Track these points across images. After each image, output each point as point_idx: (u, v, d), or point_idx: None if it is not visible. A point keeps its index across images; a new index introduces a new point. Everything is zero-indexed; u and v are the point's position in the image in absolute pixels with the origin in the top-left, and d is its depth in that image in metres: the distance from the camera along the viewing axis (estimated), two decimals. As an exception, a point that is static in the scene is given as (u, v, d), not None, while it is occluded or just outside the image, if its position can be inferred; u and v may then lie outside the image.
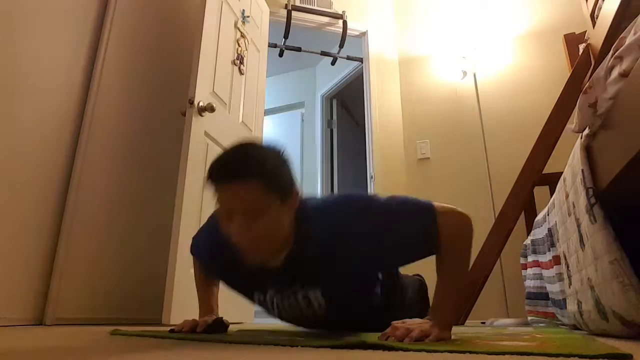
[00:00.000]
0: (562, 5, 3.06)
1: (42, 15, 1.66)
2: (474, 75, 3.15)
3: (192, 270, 1.79)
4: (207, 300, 1.22)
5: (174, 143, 2.01)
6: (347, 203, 0.98)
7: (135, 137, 2.04)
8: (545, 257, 1.87)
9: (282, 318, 1.14)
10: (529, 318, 2.11)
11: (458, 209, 0.94)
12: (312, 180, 4.30)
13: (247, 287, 1.12)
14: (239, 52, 2.41)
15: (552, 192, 2.17)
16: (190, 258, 1.82)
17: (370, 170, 3.18)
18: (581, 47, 2.20)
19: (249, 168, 0.84)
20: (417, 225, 0.92)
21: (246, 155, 0.88)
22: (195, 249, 1.27)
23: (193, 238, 1.28)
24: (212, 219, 1.14)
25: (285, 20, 3.26)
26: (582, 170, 1.13)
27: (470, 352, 0.64)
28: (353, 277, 1.00)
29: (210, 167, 0.88)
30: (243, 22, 2.48)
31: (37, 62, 1.63)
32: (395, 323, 0.86)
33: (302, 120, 4.66)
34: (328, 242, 0.93)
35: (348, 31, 3.41)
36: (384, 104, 3.33)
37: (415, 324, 0.86)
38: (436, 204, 0.94)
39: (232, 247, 0.89)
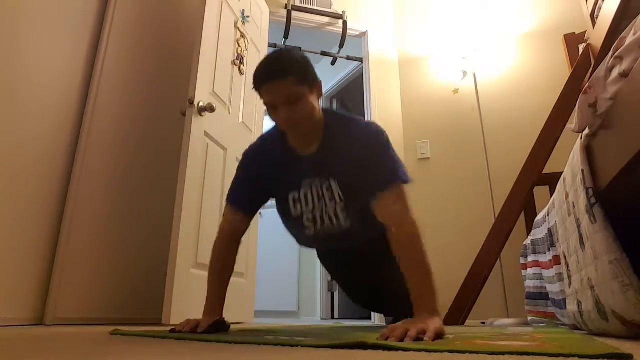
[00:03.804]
0: (562, 5, 3.06)
1: (42, 15, 1.66)
2: (474, 75, 3.15)
3: (193, 270, 1.81)
4: (215, 298, 1.23)
5: (174, 143, 2.01)
6: (369, 124, 1.26)
7: (135, 137, 2.04)
8: (545, 257, 1.87)
9: (310, 223, 1.31)
10: (529, 318, 2.11)
11: (412, 216, 1.10)
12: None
13: (287, 187, 1.31)
14: (239, 52, 2.41)
15: (552, 192, 2.17)
16: (190, 258, 1.83)
17: (370, 170, 3.17)
18: (581, 47, 2.20)
19: (283, 68, 1.11)
20: (386, 172, 1.15)
21: (279, 59, 1.15)
22: (241, 172, 1.36)
23: (231, 188, 1.36)
24: (244, 159, 1.37)
25: (285, 20, 3.26)
26: (582, 170, 1.13)
27: (470, 352, 0.64)
28: (359, 178, 1.19)
29: (254, 75, 1.15)
30: (243, 22, 2.48)
31: (37, 62, 1.63)
32: (393, 325, 0.88)
33: (302, 120, 4.65)
34: (349, 139, 1.20)
35: (348, 31, 3.41)
36: (384, 104, 3.33)
37: (412, 323, 0.88)
38: (404, 193, 1.13)
39: (276, 149, 1.27)
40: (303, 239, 1.44)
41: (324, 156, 1.23)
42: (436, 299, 1.01)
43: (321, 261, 1.71)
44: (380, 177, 1.15)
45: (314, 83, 1.18)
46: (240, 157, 1.37)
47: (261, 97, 1.16)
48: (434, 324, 0.88)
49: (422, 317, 0.92)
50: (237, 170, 1.37)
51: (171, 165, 1.99)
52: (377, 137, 1.20)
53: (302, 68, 1.14)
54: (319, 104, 1.22)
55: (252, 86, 1.16)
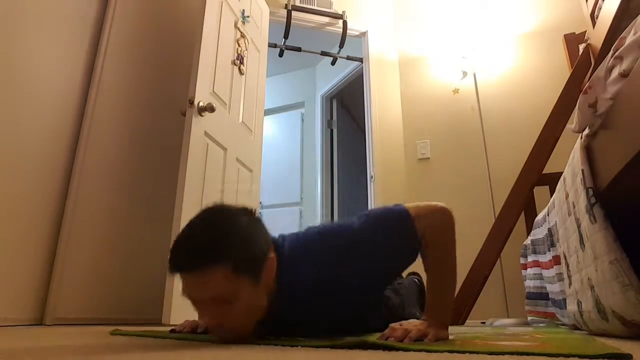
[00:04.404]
0: (562, 5, 3.06)
1: (42, 16, 1.66)
2: (474, 75, 3.15)
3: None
4: None
5: (174, 143, 2.01)
6: (319, 247, 0.90)
7: (135, 137, 2.04)
8: (545, 257, 1.87)
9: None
10: (529, 318, 2.11)
11: (435, 204, 0.93)
12: (312, 180, 4.30)
13: None
14: (239, 52, 2.41)
15: (552, 192, 2.17)
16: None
17: (370, 171, 3.18)
18: (581, 47, 2.20)
19: (212, 253, 0.75)
20: (395, 240, 0.90)
21: (208, 236, 0.77)
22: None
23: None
24: None
25: (285, 20, 3.26)
26: (582, 170, 1.13)
27: (470, 352, 0.64)
28: (345, 310, 0.94)
29: (170, 252, 0.79)
30: (243, 22, 2.48)
31: (37, 62, 1.63)
32: (393, 325, 0.86)
33: (302, 120, 4.66)
34: (311, 292, 0.87)
35: (348, 31, 3.41)
36: (384, 104, 3.33)
37: (413, 324, 0.85)
38: (410, 207, 0.91)
39: None
40: None
41: (279, 324, 0.92)
42: (450, 312, 0.95)
43: None
44: (400, 248, 0.91)
45: (260, 267, 0.81)
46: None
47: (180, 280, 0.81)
48: (438, 331, 0.84)
49: (429, 322, 0.86)
50: None
51: (171, 165, 1.99)
52: (345, 244, 0.88)
53: (241, 249, 0.78)
54: (270, 286, 0.85)
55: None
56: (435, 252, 0.92)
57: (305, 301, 0.88)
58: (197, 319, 1.15)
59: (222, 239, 0.77)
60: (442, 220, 0.92)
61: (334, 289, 0.88)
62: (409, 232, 0.89)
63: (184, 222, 1.77)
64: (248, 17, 2.54)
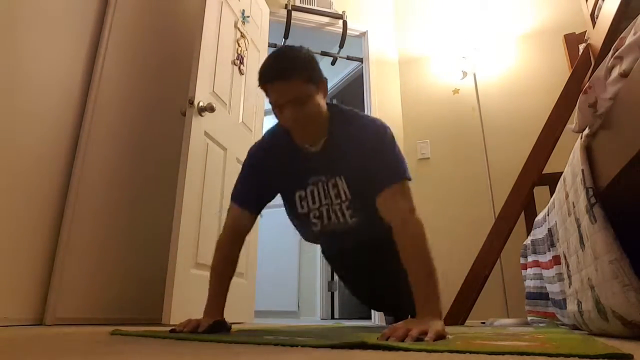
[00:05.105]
0: (562, 5, 3.06)
1: (42, 16, 1.66)
2: (474, 75, 3.15)
3: (193, 271, 1.81)
4: (216, 298, 1.23)
5: (174, 143, 2.01)
6: (374, 120, 1.29)
7: (135, 137, 2.04)
8: (545, 257, 1.87)
9: (317, 220, 1.31)
10: (529, 318, 2.11)
11: (418, 214, 1.10)
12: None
13: (293, 185, 1.31)
14: (239, 52, 2.41)
15: (552, 192, 2.16)
16: (190, 258, 1.83)
17: (370, 170, 3.18)
18: (581, 47, 2.20)
19: (291, 67, 1.11)
20: (391, 168, 1.17)
21: (287, 57, 1.14)
22: (247, 170, 1.35)
23: (235, 186, 1.36)
24: (250, 157, 1.36)
25: (285, 20, 3.26)
26: (582, 170, 1.13)
27: (470, 352, 0.64)
28: (365, 174, 1.18)
29: (260, 72, 1.14)
30: (243, 22, 2.48)
31: (37, 62, 1.63)
32: (394, 325, 0.88)
33: (302, 120, 4.65)
34: (353, 135, 1.20)
35: (348, 31, 3.41)
36: (384, 104, 3.33)
37: (413, 323, 0.88)
38: (408, 189, 1.14)
39: (282, 147, 1.26)
40: (309, 235, 1.44)
41: (329, 153, 1.23)
42: (439, 301, 1.00)
43: (325, 258, 1.71)
44: (383, 173, 1.15)
45: (320, 82, 1.18)
46: (240, 157, 1.37)
47: (267, 95, 1.16)
48: (436, 325, 0.87)
49: (424, 318, 0.92)
50: (243, 168, 1.36)
51: (171, 165, 1.99)
52: (380, 133, 1.21)
53: (310, 67, 1.14)
54: (324, 102, 1.22)
55: (256, 84, 1.16)
56: (406, 242, 1.06)
57: (349, 138, 1.20)
58: (196, 318, 1.15)
59: (295, 60, 1.13)
60: (412, 216, 1.09)
61: (364, 145, 1.18)
62: (388, 179, 1.14)
63: (184, 222, 1.79)
64: (248, 17, 2.54)
